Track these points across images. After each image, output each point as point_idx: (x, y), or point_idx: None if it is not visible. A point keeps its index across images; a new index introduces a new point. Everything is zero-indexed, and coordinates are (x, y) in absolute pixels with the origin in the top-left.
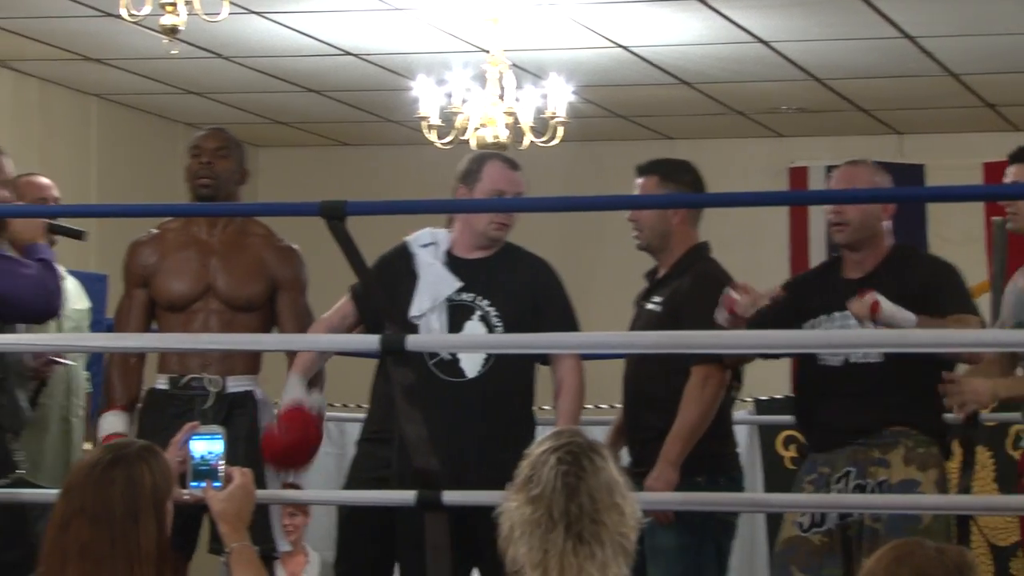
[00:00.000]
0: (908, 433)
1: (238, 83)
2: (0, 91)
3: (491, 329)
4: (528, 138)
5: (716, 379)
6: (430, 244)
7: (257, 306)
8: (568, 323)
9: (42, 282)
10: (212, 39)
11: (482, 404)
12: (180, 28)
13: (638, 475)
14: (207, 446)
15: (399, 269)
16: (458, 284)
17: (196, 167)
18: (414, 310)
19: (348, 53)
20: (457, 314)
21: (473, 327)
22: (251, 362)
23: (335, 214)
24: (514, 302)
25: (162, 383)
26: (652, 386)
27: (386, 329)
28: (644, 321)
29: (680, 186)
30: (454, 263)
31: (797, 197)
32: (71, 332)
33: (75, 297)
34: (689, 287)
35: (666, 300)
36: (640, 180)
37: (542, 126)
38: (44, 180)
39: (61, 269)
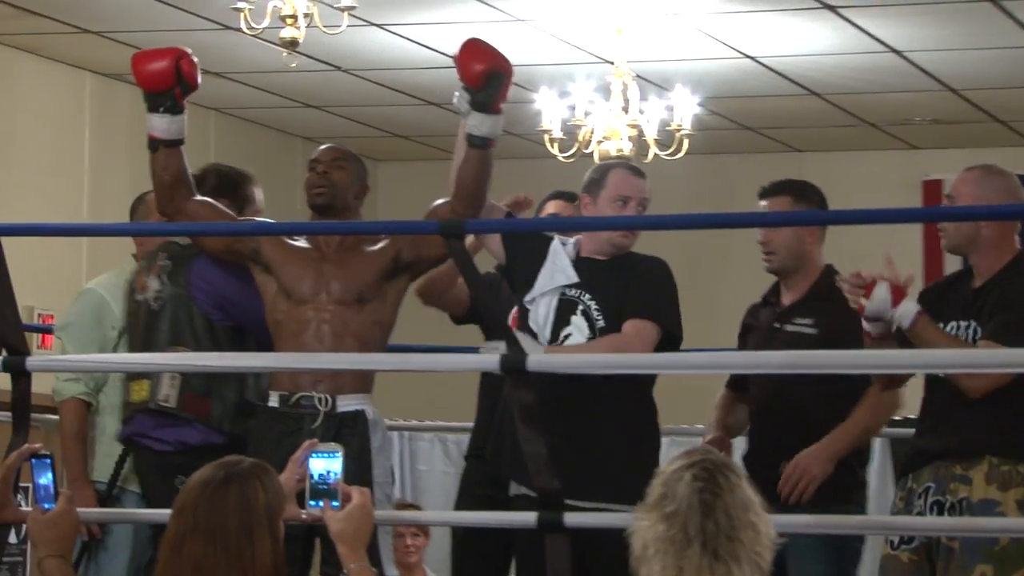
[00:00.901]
0: (993, 450)
1: (357, 96)
2: (119, 105)
3: (592, 324)
4: (652, 151)
5: (894, 398)
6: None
7: (370, 297)
8: (648, 309)
9: None
10: (331, 52)
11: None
12: (299, 41)
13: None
14: (326, 464)
15: (535, 247)
16: (575, 279)
17: (312, 178)
18: (529, 294)
19: None
20: (564, 307)
21: (577, 321)
22: (362, 380)
23: (454, 232)
24: (616, 298)
25: (273, 400)
26: (808, 409)
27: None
28: (784, 343)
29: (811, 206)
30: (577, 262)
31: (935, 213)
32: None
33: None
34: (849, 309)
35: (820, 322)
36: (766, 202)
37: (667, 139)
38: None
39: None
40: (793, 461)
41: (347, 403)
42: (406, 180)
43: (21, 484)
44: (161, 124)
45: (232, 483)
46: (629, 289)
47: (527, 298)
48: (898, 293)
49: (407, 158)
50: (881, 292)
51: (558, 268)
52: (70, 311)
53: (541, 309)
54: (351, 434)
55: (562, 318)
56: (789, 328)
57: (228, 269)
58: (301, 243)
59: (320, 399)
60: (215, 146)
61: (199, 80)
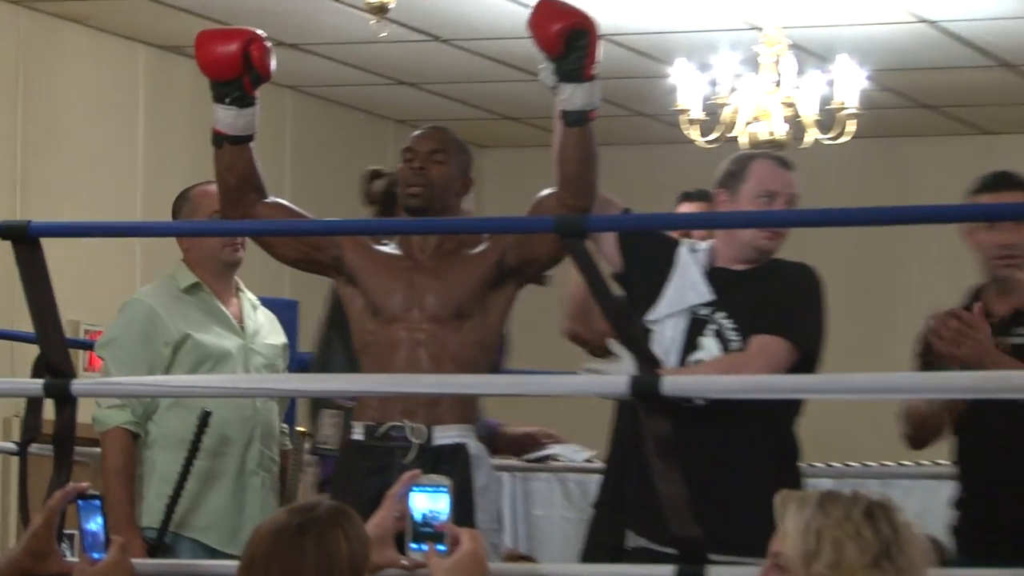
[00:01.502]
0: None
1: (459, 71)
2: (179, 83)
3: (726, 345)
4: (811, 134)
5: None
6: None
7: (470, 311)
8: (779, 323)
9: None
10: (428, 19)
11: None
12: (390, 6)
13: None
14: (430, 501)
15: (659, 253)
16: (709, 296)
17: (407, 173)
18: (652, 314)
19: None
20: (694, 327)
21: (708, 344)
22: (464, 408)
23: (575, 231)
24: (753, 315)
25: (357, 432)
26: None
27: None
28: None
29: None
30: (711, 273)
31: None
32: (263, 370)
33: (268, 331)
34: None
35: None
36: (988, 196)
37: (828, 119)
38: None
39: (251, 297)
40: None
41: (446, 435)
42: (516, 169)
43: (65, 531)
44: (226, 117)
45: (309, 532)
46: (766, 301)
47: (650, 316)
48: None
49: (518, 143)
50: None
51: (688, 284)
52: (114, 325)
53: (667, 331)
54: (449, 471)
55: (691, 341)
56: (1015, 341)
57: None
58: (391, 249)
59: (413, 430)
60: (292, 130)
61: (272, 68)
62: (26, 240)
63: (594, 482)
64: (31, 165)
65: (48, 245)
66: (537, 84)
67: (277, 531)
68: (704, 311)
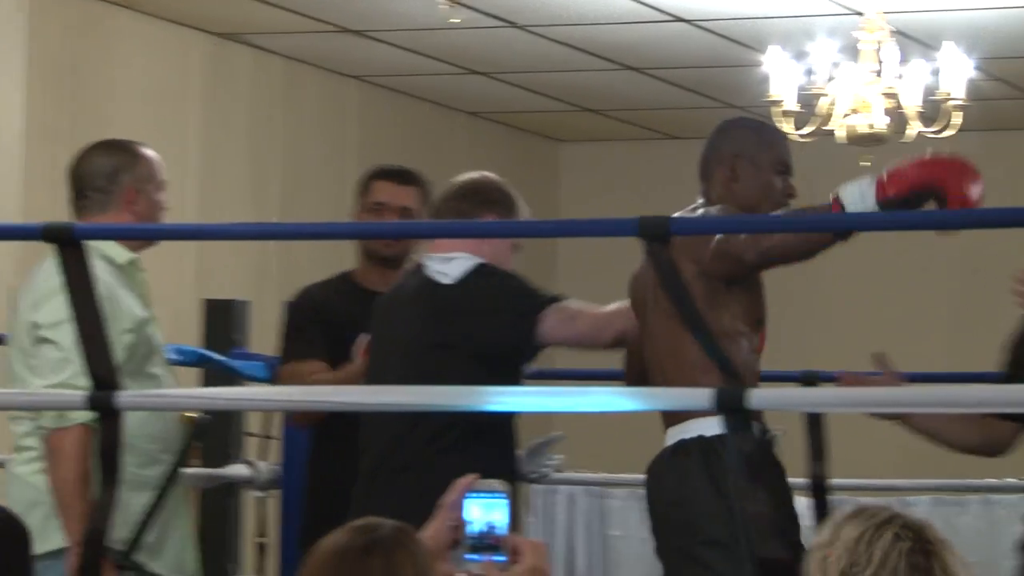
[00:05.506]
0: None
1: (535, 59)
2: (237, 73)
3: None
4: (914, 127)
5: None
6: None
7: None
8: None
9: None
10: (503, 4)
11: None
12: None
13: None
14: (487, 510)
15: None
16: None
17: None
18: None
19: (679, 19)
20: None
21: None
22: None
23: (658, 233)
24: None
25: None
26: None
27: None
28: None
29: None
30: None
31: None
32: None
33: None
34: None
35: None
36: None
37: (933, 111)
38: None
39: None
40: None
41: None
42: (595, 164)
43: None
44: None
45: (375, 553)
46: None
47: None
48: None
49: (597, 137)
50: None
51: None
52: (53, 304)
53: None
54: None
55: None
56: None
57: None
58: None
59: None
60: (357, 124)
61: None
62: (70, 243)
63: None
64: None
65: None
66: (618, 73)
67: (341, 552)
68: None
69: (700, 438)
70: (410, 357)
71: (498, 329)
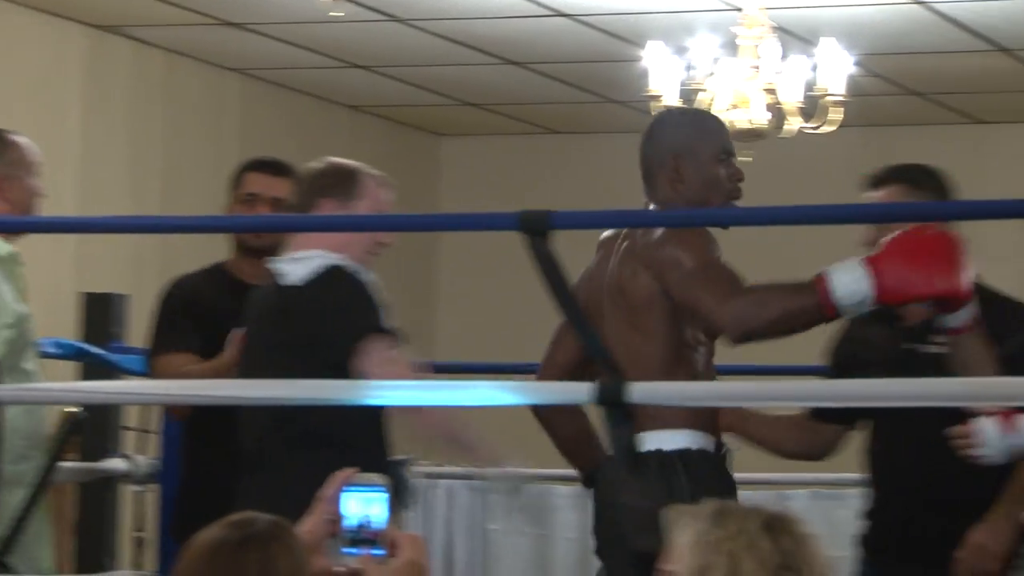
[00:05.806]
0: None
1: (416, 54)
2: (116, 65)
3: None
4: (794, 122)
5: None
6: None
7: None
8: None
9: None
10: None
11: None
12: None
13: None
14: (364, 503)
15: None
16: None
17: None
18: None
19: (560, 14)
20: None
21: None
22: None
23: (537, 228)
24: None
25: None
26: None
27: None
28: (924, 368)
29: (930, 195)
30: None
31: None
32: None
33: None
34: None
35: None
36: (877, 192)
37: (812, 107)
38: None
39: None
40: (971, 542)
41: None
42: (475, 159)
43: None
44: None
45: (251, 548)
46: None
47: None
48: (1007, 419)
49: (478, 131)
50: (990, 431)
51: None
52: None
53: None
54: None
55: None
56: (931, 349)
57: None
58: None
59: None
60: (239, 116)
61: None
62: None
63: (553, 495)
64: None
65: None
66: (499, 68)
67: (214, 546)
68: None
69: (659, 451)
70: (266, 356)
71: (330, 336)
